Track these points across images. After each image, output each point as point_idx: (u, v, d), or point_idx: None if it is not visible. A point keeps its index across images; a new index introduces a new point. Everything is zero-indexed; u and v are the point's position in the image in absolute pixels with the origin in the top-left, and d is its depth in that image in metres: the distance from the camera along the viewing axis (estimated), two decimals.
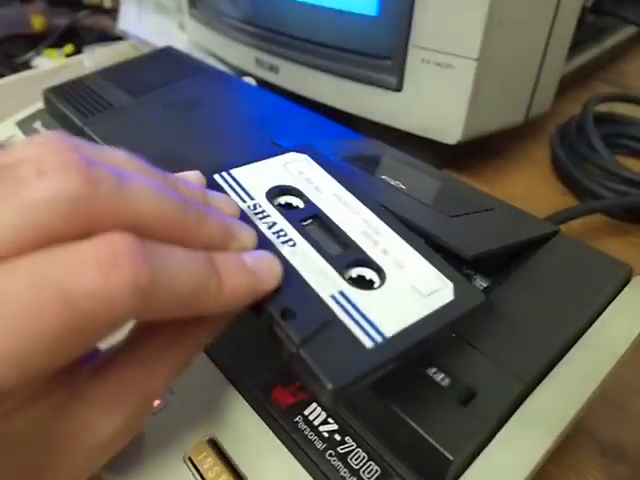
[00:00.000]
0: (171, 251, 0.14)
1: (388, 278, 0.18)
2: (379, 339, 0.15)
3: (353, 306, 0.16)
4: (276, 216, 0.19)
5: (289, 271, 0.17)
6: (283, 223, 0.19)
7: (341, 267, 0.18)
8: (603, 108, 0.45)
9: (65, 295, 0.12)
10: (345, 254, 0.18)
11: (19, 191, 0.12)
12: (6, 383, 0.12)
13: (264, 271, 0.16)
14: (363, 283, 0.18)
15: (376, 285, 0.18)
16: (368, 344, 0.15)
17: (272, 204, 0.20)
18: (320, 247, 0.18)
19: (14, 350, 0.11)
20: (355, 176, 0.25)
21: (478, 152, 0.44)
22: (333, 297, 0.17)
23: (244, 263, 0.16)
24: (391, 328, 0.16)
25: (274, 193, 0.21)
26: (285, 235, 0.18)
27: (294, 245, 0.18)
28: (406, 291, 0.17)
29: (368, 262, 0.18)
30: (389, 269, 0.18)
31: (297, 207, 0.21)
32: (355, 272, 0.18)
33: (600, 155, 0.39)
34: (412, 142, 0.39)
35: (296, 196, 0.21)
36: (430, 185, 0.27)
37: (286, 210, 0.20)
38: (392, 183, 0.25)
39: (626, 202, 0.36)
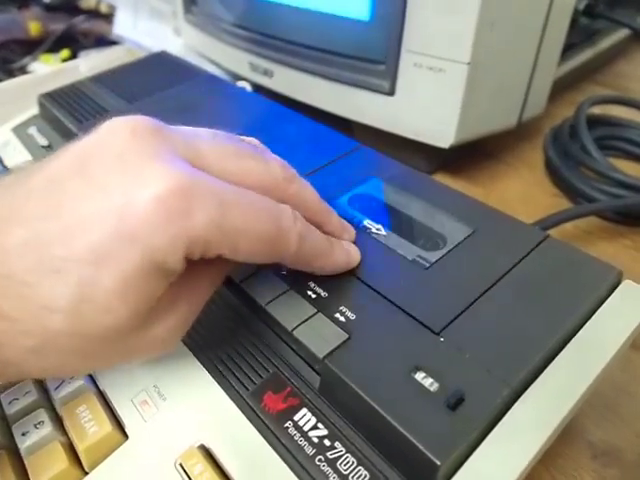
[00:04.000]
0: (313, 227, 0.22)
1: None
2: None
3: None
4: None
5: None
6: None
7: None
8: (597, 110, 0.45)
9: (277, 217, 0.20)
10: None
11: (266, 159, 0.22)
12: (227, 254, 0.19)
13: (353, 251, 0.24)
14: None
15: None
16: None
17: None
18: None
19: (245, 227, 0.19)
20: None
21: (472, 155, 0.44)
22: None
23: (343, 244, 0.24)
24: None
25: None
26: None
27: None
28: None
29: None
30: None
31: None
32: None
33: (593, 158, 0.39)
34: (406, 146, 0.39)
35: None
36: (412, 216, 0.27)
37: None
38: (374, 230, 0.26)
39: (619, 205, 0.36)
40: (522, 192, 0.42)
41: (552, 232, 0.25)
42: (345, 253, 0.23)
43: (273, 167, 0.21)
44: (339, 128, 0.34)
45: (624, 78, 0.56)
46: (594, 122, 0.43)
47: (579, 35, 0.50)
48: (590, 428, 0.26)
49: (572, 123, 0.43)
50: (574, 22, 0.44)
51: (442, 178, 0.43)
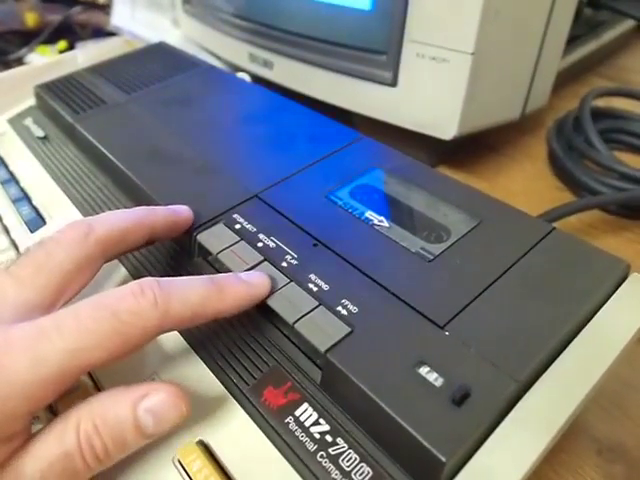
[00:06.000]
0: (179, 279, 0.20)
1: None
2: None
3: None
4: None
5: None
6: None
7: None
8: (601, 103, 0.44)
9: (114, 312, 0.18)
10: None
11: None
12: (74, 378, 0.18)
13: (256, 281, 0.22)
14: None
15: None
16: None
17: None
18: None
19: (84, 345, 0.18)
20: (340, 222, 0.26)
21: (474, 148, 0.44)
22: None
23: (239, 277, 0.22)
24: None
25: None
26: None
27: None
28: None
29: None
30: None
31: None
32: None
33: (597, 150, 0.39)
34: (406, 138, 0.38)
35: None
36: (415, 207, 0.26)
37: None
38: (376, 222, 0.25)
39: (623, 198, 0.36)
40: (525, 185, 0.42)
41: (555, 225, 0.25)
42: (243, 285, 0.21)
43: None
44: (339, 120, 0.34)
45: (627, 71, 0.56)
46: (598, 115, 0.43)
47: (583, 27, 0.50)
48: (595, 423, 0.26)
49: (576, 115, 0.42)
50: (578, 13, 0.43)
51: (443, 172, 0.42)
